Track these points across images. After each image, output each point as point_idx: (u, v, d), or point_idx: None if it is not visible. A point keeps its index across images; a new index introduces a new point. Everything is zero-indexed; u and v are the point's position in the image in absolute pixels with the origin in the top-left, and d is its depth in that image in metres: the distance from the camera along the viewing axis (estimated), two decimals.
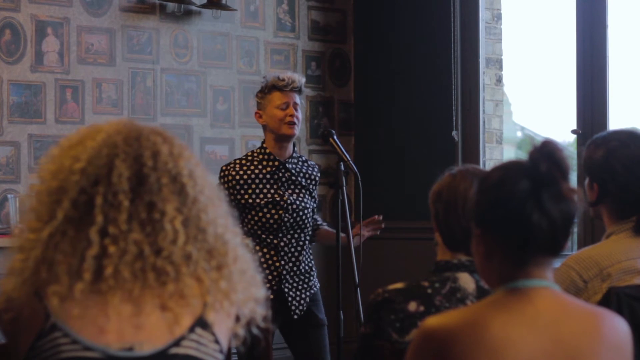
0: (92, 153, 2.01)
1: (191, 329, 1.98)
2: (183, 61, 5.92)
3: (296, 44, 6.38)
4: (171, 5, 5.86)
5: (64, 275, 1.95)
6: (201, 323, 1.99)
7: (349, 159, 4.43)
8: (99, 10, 5.63)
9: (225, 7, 5.98)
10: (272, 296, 4.47)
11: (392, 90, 6.41)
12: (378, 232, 4.59)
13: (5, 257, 2.06)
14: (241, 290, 2.05)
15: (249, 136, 6.14)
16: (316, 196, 4.67)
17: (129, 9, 5.73)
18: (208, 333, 2.00)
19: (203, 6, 5.93)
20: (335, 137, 4.52)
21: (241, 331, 2.07)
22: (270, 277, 4.48)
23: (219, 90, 6.06)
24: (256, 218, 4.48)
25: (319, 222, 4.71)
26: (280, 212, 4.48)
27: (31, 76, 5.40)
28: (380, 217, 4.54)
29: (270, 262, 4.49)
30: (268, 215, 4.48)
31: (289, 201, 4.49)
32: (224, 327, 2.03)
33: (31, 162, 5.38)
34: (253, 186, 4.49)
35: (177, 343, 1.97)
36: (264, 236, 4.49)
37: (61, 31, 5.50)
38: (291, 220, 4.50)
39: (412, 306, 2.54)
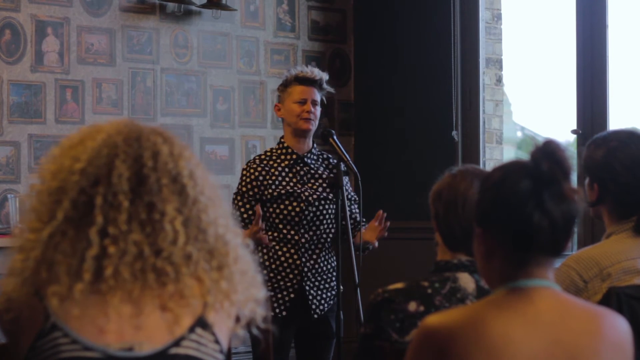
0: (92, 153, 2.01)
1: (191, 329, 1.98)
2: (183, 61, 5.92)
3: (296, 44, 6.37)
4: (171, 5, 5.86)
5: (64, 276, 1.95)
6: (201, 323, 1.99)
7: (349, 159, 4.43)
8: (99, 10, 5.63)
9: (225, 7, 5.98)
10: (292, 295, 4.47)
11: (392, 90, 6.41)
12: (386, 232, 4.49)
13: (5, 257, 2.05)
14: (242, 291, 2.05)
15: (249, 136, 6.14)
16: (351, 192, 4.61)
17: (129, 9, 5.73)
18: (208, 333, 2.00)
19: (203, 6, 5.93)
20: (335, 137, 4.52)
21: (241, 331, 2.07)
22: (291, 276, 4.48)
23: (219, 90, 6.06)
24: (277, 211, 4.47)
25: (360, 224, 4.54)
26: (302, 204, 4.47)
27: (31, 76, 5.40)
28: (384, 214, 4.49)
29: (290, 260, 4.47)
30: (290, 208, 4.47)
31: (307, 193, 4.49)
32: (224, 328, 2.03)
33: (31, 162, 5.38)
34: (273, 178, 4.48)
35: (177, 343, 1.97)
36: (285, 231, 4.47)
37: (61, 31, 5.50)
38: (311, 215, 4.50)
39: (412, 306, 2.54)
